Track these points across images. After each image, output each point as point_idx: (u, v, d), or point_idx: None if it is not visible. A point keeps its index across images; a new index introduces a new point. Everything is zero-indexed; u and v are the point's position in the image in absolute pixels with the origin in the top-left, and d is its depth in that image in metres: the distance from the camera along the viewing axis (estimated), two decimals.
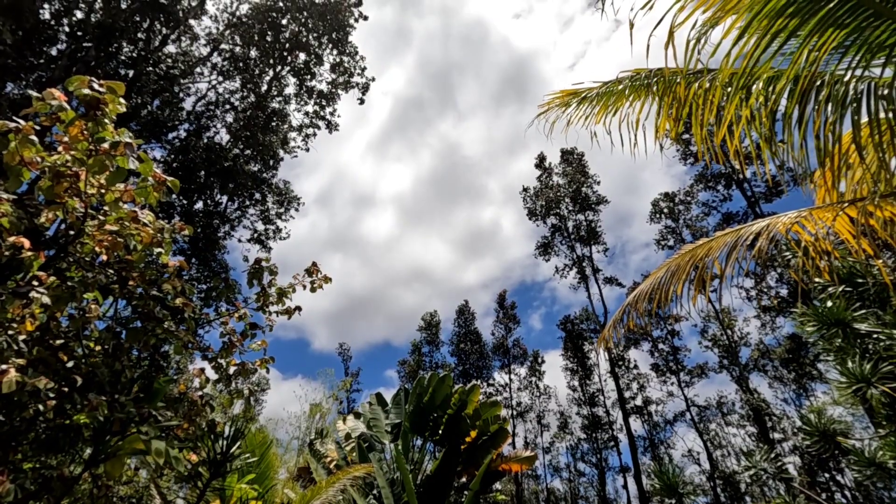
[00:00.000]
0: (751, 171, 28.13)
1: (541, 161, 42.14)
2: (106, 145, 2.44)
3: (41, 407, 2.23)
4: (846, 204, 2.66)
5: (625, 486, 35.82)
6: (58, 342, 2.57)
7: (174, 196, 17.56)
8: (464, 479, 15.14)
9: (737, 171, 28.49)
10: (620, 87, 4.51)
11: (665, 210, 35.79)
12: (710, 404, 35.85)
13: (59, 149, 2.55)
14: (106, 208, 2.92)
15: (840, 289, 4.82)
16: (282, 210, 22.43)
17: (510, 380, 43.76)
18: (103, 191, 2.75)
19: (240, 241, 21.57)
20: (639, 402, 37.31)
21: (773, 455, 6.12)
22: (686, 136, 29.92)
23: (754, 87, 2.99)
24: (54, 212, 2.79)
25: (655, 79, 4.16)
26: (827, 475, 23.13)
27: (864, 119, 2.69)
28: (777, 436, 28.17)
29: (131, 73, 16.87)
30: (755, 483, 29.78)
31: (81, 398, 2.38)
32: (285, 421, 30.31)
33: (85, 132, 2.50)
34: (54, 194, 2.52)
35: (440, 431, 14.38)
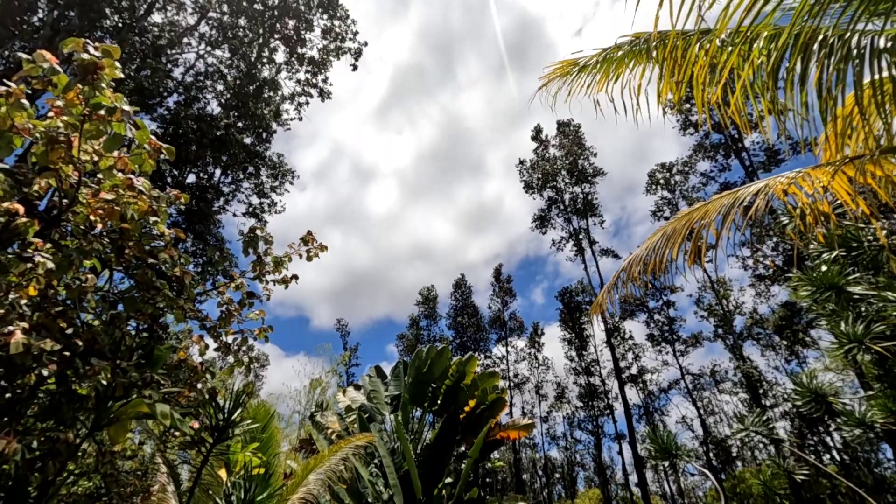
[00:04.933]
0: (750, 140, 27.96)
1: (537, 133, 41.67)
2: (102, 111, 2.38)
3: (45, 372, 2.24)
4: (846, 161, 2.65)
5: (620, 453, 36.85)
6: (56, 310, 2.57)
7: (166, 168, 17.35)
8: (463, 448, 15.50)
9: (736, 139, 28.28)
10: (620, 53, 4.42)
11: (661, 181, 35.68)
12: (703, 373, 36.59)
13: (50, 114, 2.49)
14: (100, 176, 2.87)
15: (835, 254, 4.85)
16: (276, 183, 22.25)
17: (507, 352, 44.35)
18: (97, 158, 2.70)
19: (234, 215, 21.48)
20: (634, 371, 38.00)
21: (764, 418, 6.29)
22: (687, 105, 29.61)
23: (755, 46, 2.93)
24: (47, 180, 2.74)
25: (655, 43, 4.07)
26: (816, 438, 23.81)
27: (867, 80, 2.65)
28: (768, 402, 28.84)
29: (116, 43, 16.40)
30: (746, 446, 30.64)
31: (83, 363, 2.39)
32: (286, 396, 30.84)
33: (80, 97, 2.43)
34: (49, 161, 2.46)
35: (439, 402, 14.63)
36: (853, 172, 2.53)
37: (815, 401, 4.55)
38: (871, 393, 4.72)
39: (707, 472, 4.56)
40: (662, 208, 35.23)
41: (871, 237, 4.31)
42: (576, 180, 37.97)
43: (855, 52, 2.47)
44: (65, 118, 2.42)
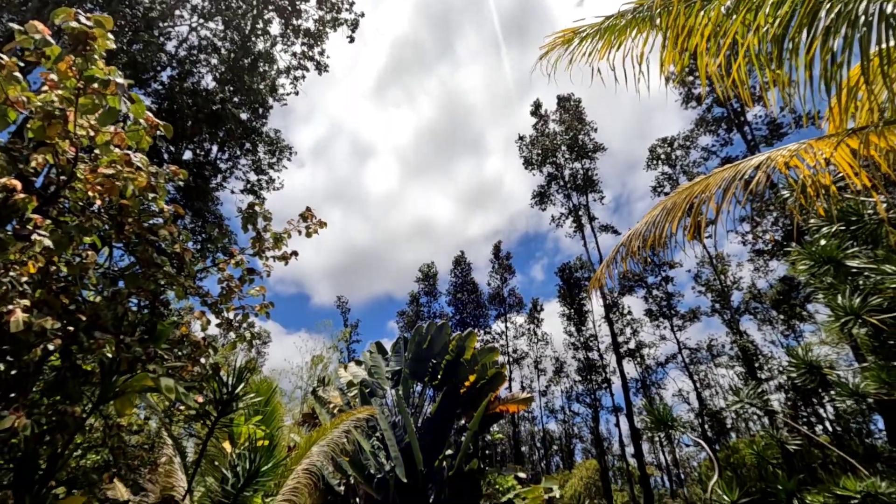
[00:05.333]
0: (752, 113, 27.63)
1: (536, 108, 41.10)
2: (96, 84, 2.33)
3: (50, 346, 2.26)
4: (849, 133, 2.62)
5: (617, 425, 37.60)
6: (58, 286, 2.58)
7: (162, 145, 17.17)
8: (463, 421, 15.81)
9: (738, 113, 27.94)
10: (623, 21, 4.33)
11: (662, 156, 35.40)
12: (700, 347, 37.03)
13: (44, 87, 2.44)
14: (97, 151, 2.84)
15: (834, 228, 4.85)
16: (274, 160, 22.05)
17: (506, 328, 44.76)
18: (93, 133, 2.67)
19: (232, 192, 21.36)
20: (632, 345, 38.41)
21: (759, 391, 6.38)
22: (690, 77, 29.15)
23: (760, 13, 2.87)
24: (44, 156, 2.72)
25: (658, 10, 3.99)
26: (809, 409, 24.25)
27: (874, 49, 2.60)
28: (764, 375, 29.26)
29: (106, 14, 15.95)
30: (740, 418, 31.25)
31: (87, 337, 2.41)
32: (289, 372, 31.31)
33: (73, 69, 2.38)
34: (46, 136, 2.43)
35: (439, 377, 14.85)
36: (857, 144, 2.51)
37: (810, 372, 4.61)
38: (865, 365, 4.78)
39: (702, 442, 4.66)
40: (663, 183, 35.05)
41: (871, 211, 4.30)
42: (576, 156, 37.64)
43: (862, 18, 2.42)
44: (59, 92, 2.38)
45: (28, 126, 2.45)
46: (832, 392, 4.92)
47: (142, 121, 2.67)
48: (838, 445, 20.23)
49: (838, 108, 2.84)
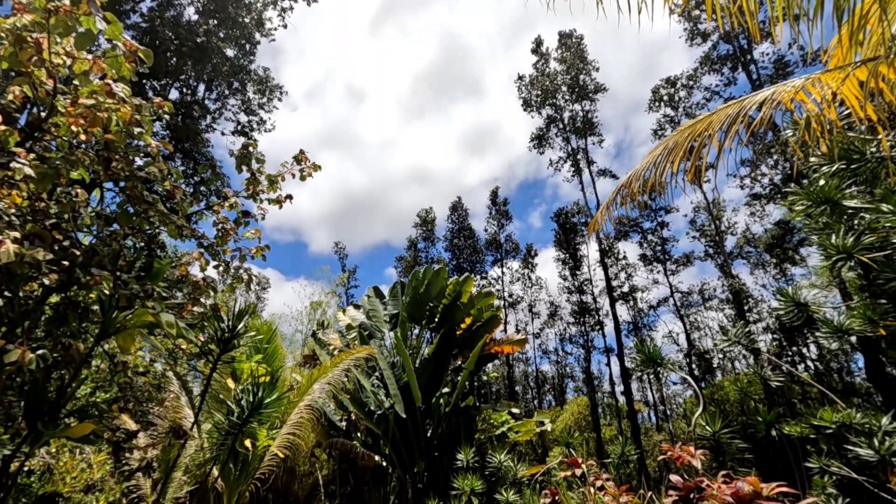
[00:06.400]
0: (759, 51, 26.65)
1: (537, 46, 39.44)
2: (67, 2, 2.19)
3: (46, 282, 2.26)
4: (858, 64, 2.53)
5: (608, 365, 39.00)
6: (49, 222, 2.55)
7: (146, 81, 16.52)
8: (460, 362, 16.32)
9: (745, 50, 26.95)
10: None
11: (665, 97, 34.45)
12: (692, 291, 37.74)
13: (13, 9, 2.30)
14: (76, 83, 2.72)
15: (835, 167, 4.79)
16: (264, 100, 21.34)
17: (503, 273, 45.26)
18: (69, 61, 2.54)
19: (223, 133, 20.81)
20: (625, 289, 39.08)
21: (746, 330, 6.56)
22: (696, 11, 27.86)
23: None
24: (20, 86, 2.60)
25: None
26: (794, 348, 25.12)
27: None
28: (752, 318, 30.04)
29: None
30: (727, 357, 32.40)
31: (84, 273, 2.41)
32: (289, 316, 31.87)
33: None
34: (19, 63, 2.31)
35: (436, 319, 15.17)
36: (865, 76, 2.42)
37: (797, 309, 4.70)
38: (851, 303, 4.88)
39: (689, 378, 4.84)
40: (664, 126, 34.31)
41: (874, 149, 4.24)
42: (576, 97, 36.57)
43: None
44: (29, 16, 2.23)
45: (0, 55, 2.32)
46: (818, 333, 5.04)
47: (119, 45, 2.53)
48: (819, 382, 21.14)
49: (849, 36, 2.72)
